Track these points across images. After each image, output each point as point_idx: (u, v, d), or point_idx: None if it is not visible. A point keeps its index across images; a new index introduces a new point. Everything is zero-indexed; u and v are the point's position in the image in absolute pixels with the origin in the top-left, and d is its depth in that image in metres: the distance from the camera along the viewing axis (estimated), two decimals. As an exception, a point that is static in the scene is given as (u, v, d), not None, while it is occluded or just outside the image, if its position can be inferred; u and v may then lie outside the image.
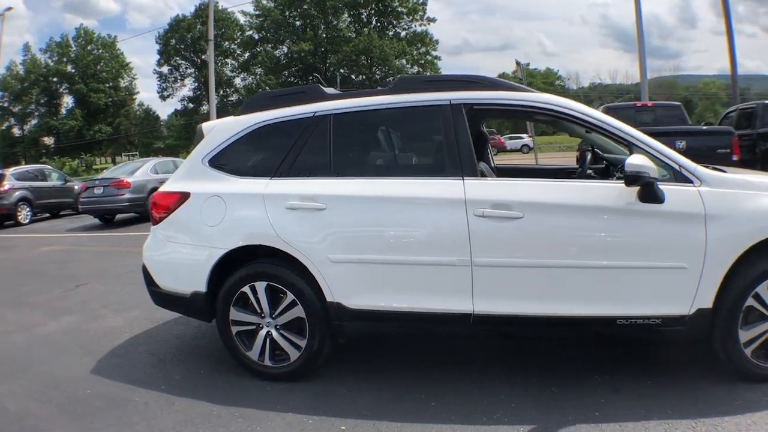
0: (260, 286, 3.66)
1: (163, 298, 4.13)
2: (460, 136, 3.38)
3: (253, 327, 3.79)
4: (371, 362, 4.04)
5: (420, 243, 3.41)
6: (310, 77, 58.68)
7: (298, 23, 61.53)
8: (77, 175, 42.16)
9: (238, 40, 63.30)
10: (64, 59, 61.67)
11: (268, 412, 3.37)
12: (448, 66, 65.11)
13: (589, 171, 3.99)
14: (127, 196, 12.96)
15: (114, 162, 65.15)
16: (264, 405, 3.47)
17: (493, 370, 3.73)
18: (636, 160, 3.00)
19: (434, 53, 63.53)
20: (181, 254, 3.96)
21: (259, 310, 3.71)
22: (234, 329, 3.82)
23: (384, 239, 3.45)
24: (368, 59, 60.07)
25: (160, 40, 63.21)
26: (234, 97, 62.93)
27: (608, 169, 4.16)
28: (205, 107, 64.08)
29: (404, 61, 60.98)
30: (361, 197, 3.47)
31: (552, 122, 4.52)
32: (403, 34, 63.02)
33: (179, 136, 62.10)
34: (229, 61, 64.40)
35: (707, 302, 3.10)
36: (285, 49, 62.14)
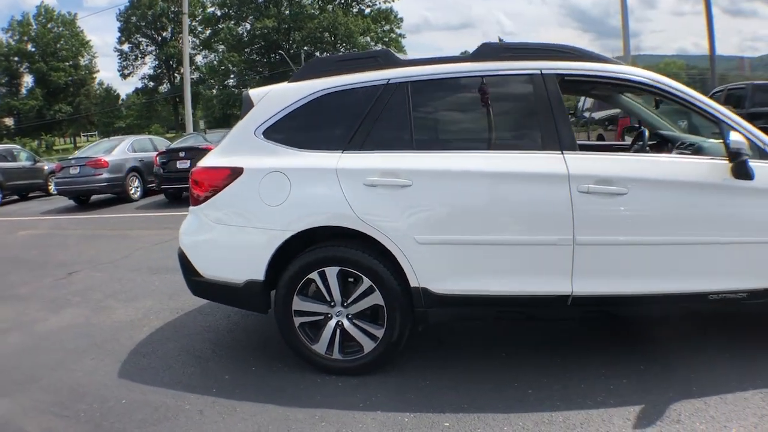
0: (331, 271, 3.11)
1: (206, 288, 3.43)
2: (556, 108, 3.06)
3: (321, 317, 3.22)
4: (436, 351, 3.53)
5: (518, 221, 3.03)
6: (273, 54, 56.75)
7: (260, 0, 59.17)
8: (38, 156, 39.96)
9: (200, 17, 60.54)
10: (25, 38, 58.41)
11: (352, 412, 2.85)
12: (408, 45, 63.61)
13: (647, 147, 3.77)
14: (105, 175, 11.88)
15: (74, 143, 62.00)
16: (344, 404, 2.93)
17: (566, 351, 3.39)
18: (738, 137, 2.86)
19: (398, 31, 62.15)
20: (232, 238, 3.28)
21: (328, 299, 3.18)
22: (297, 321, 3.23)
23: (478, 218, 3.03)
24: (333, 36, 58.45)
25: (121, 17, 60.17)
26: (195, 75, 60.44)
27: (663, 145, 3.92)
28: (165, 86, 61.53)
29: (369, 39, 59.51)
30: (452, 172, 3.04)
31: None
32: (367, 11, 61.40)
33: (140, 115, 59.38)
34: (190, 38, 61.64)
35: None
36: (248, 26, 59.83)
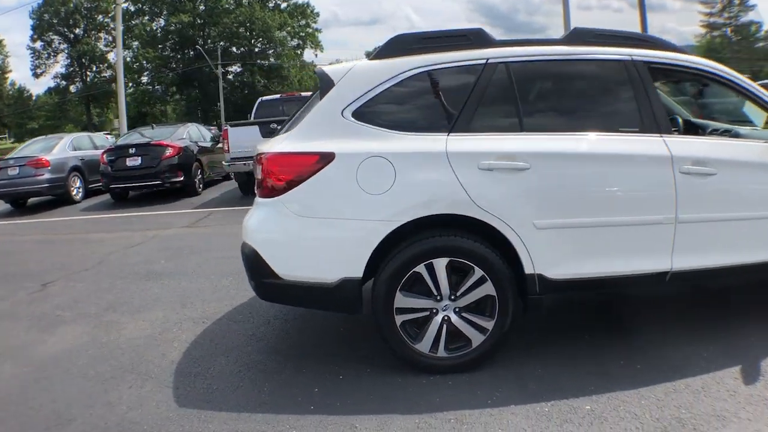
0: (440, 263, 2.70)
1: (284, 291, 2.81)
2: (652, 94, 2.99)
3: (426, 313, 2.74)
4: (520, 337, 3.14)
5: (629, 202, 2.90)
6: (187, 50, 53.59)
7: (175, -7, 55.49)
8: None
9: (112, 13, 55.82)
10: (-68, 38, 50.79)
11: (487, 410, 2.50)
12: (322, 40, 62.18)
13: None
14: (47, 176, 10.35)
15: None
16: (471, 404, 2.55)
17: (641, 330, 3.25)
18: None
19: (315, 26, 60.60)
20: (323, 233, 2.72)
21: (435, 293, 2.72)
22: (399, 319, 2.72)
23: (592, 200, 2.86)
24: (249, 31, 55.97)
25: (35, 14, 53.90)
26: (108, 73, 55.91)
27: (693, 131, 3.83)
28: (75, 86, 56.41)
29: (285, 33, 57.59)
30: (569, 155, 2.85)
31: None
32: (284, 5, 59.31)
33: (53, 116, 54.21)
34: (103, 35, 56.86)
35: None
36: (162, 21, 55.93)
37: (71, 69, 55.88)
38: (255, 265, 2.77)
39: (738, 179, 3.00)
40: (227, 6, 55.55)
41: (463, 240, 2.70)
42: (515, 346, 2.97)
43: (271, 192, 2.75)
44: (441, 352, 2.77)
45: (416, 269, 2.68)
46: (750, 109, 3.66)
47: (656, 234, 2.87)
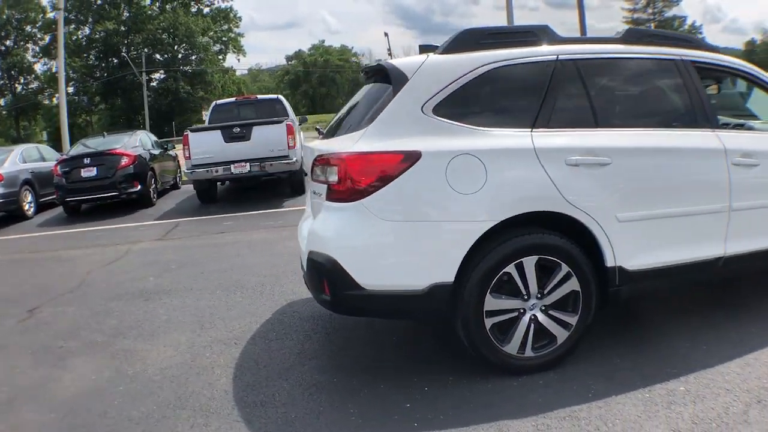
0: (529, 262, 2.55)
1: (366, 302, 2.50)
2: (701, 90, 3.05)
3: (514, 314, 2.56)
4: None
5: (695, 193, 2.92)
6: (111, 58, 50.53)
7: (99, 2, 51.84)
8: None
9: (40, 23, 51.48)
10: None
11: (596, 403, 2.39)
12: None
13: None
14: (1, 191, 9.21)
15: None
16: (573, 400, 2.42)
17: (669, 319, 3.25)
18: None
19: (237, 30, 58.71)
20: (412, 236, 2.46)
21: (524, 292, 2.54)
22: (489, 322, 2.51)
23: (665, 192, 2.85)
24: (172, 37, 53.44)
25: None
26: (35, 85, 51.75)
27: None
28: (5, 98, 51.68)
29: (208, 38, 55.54)
30: (643, 149, 2.82)
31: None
32: (206, 10, 57.05)
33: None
34: (30, 45, 52.36)
35: None
36: (87, 30, 52.19)
37: (1, 82, 51.35)
38: (334, 277, 2.45)
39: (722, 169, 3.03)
40: (151, 12, 52.81)
41: (551, 237, 2.55)
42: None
43: (351, 195, 2.44)
44: (528, 352, 2.60)
45: (507, 269, 2.48)
46: (754, 104, 3.74)
47: (715, 222, 2.90)
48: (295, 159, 9.00)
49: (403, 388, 2.59)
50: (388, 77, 2.66)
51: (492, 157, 2.50)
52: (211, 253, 5.97)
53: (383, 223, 2.42)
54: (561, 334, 2.62)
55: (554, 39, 2.84)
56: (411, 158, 2.42)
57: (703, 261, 2.87)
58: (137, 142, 10.62)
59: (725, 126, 3.61)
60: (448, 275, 2.42)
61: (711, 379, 2.49)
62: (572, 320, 2.61)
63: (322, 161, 2.62)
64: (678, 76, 2.98)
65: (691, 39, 3.25)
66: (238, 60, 58.16)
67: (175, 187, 12.49)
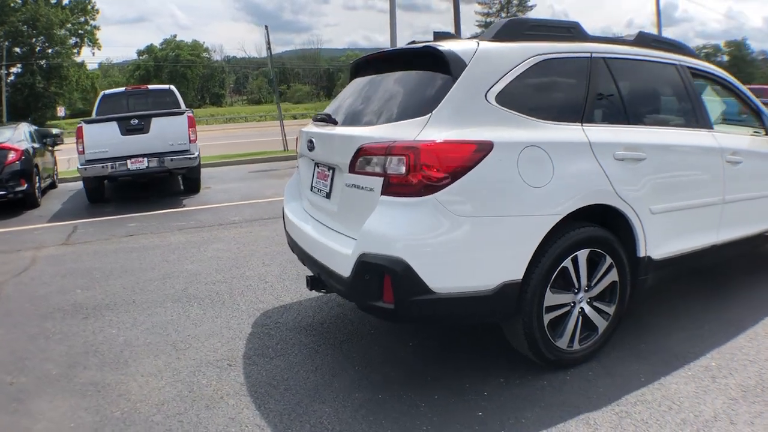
0: (582, 255, 2.49)
1: (437, 307, 2.20)
2: (697, 94, 3.21)
3: (567, 308, 2.49)
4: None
5: (707, 186, 3.07)
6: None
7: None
8: None
9: None
10: None
11: (654, 385, 2.42)
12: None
13: None
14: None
15: None
16: (633, 386, 2.43)
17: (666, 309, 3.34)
18: None
19: (93, 23, 52.75)
20: (485, 232, 2.22)
21: (576, 285, 2.48)
22: (546, 318, 2.41)
23: (685, 186, 2.97)
24: (32, 29, 46.56)
25: None
26: None
27: None
28: None
29: (65, 31, 49.36)
30: (671, 146, 2.89)
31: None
32: (66, 1, 50.42)
33: None
34: None
35: None
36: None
37: None
38: (403, 282, 2.12)
39: (754, 166, 3.33)
40: (14, 4, 45.94)
41: (599, 230, 2.50)
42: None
43: (423, 189, 2.13)
44: (575, 345, 2.55)
45: (564, 264, 2.39)
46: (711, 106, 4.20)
47: (714, 213, 3.08)
48: (196, 154, 8.19)
49: (461, 396, 2.37)
50: (440, 62, 2.37)
51: (557, 150, 2.37)
52: (135, 259, 5.10)
53: (458, 219, 2.14)
54: (601, 325, 2.60)
55: (584, 37, 2.78)
56: (484, 149, 2.19)
57: (703, 249, 3.04)
58: (23, 136, 8.84)
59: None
60: (518, 272, 2.24)
61: (732, 354, 2.65)
62: (611, 310, 2.61)
63: (376, 150, 2.25)
64: (680, 80, 3.11)
65: (684, 46, 3.38)
66: (93, 53, 52.06)
67: (53, 185, 10.71)
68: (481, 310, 2.26)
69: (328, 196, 2.71)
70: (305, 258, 2.82)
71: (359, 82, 3.01)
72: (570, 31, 2.72)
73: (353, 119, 2.74)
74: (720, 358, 2.61)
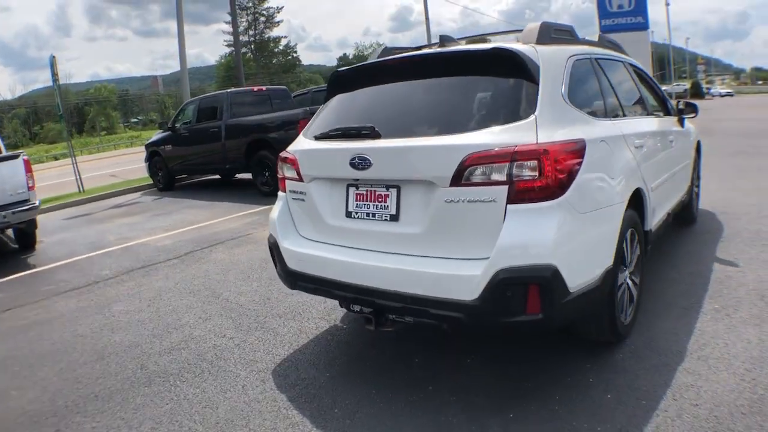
0: (629, 234, 2.76)
1: (569, 308, 2.19)
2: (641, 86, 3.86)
3: (620, 284, 2.73)
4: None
5: (666, 163, 3.60)
6: None
7: None
8: None
9: None
10: None
11: (711, 341, 2.68)
12: None
13: None
14: None
15: None
16: (698, 350, 2.67)
17: None
18: (683, 105, 4.32)
19: None
20: (595, 226, 2.36)
21: (627, 262, 2.79)
22: (618, 296, 2.66)
23: (661, 164, 3.46)
24: None
25: None
26: None
27: None
28: None
29: None
30: (651, 132, 3.40)
31: None
32: None
33: None
34: None
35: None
36: None
37: None
38: (553, 287, 2.07)
39: (677, 142, 3.93)
40: None
41: (632, 211, 2.78)
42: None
43: (554, 192, 2.11)
44: (627, 318, 2.79)
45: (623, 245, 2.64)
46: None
47: (669, 185, 3.61)
48: (37, 203, 6.46)
49: (542, 404, 2.36)
50: (516, 63, 2.34)
51: (613, 143, 2.63)
52: (40, 340, 3.80)
53: (581, 216, 2.19)
54: (635, 295, 2.90)
55: (577, 40, 3.04)
56: (584, 147, 2.29)
57: (664, 218, 3.51)
58: None
59: None
60: (611, 258, 2.40)
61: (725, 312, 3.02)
62: (638, 280, 2.93)
63: (495, 158, 2.11)
64: (634, 75, 3.68)
65: (620, 46, 3.88)
66: None
67: None
68: (593, 299, 2.32)
69: (394, 218, 2.42)
70: (362, 294, 2.46)
71: (383, 89, 2.76)
72: (571, 34, 2.96)
73: (413, 130, 2.49)
74: (715, 321, 2.94)
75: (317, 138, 2.82)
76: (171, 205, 9.46)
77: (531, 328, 2.16)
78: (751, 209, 5.15)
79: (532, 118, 2.22)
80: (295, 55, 72.41)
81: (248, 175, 9.52)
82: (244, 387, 2.78)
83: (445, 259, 2.26)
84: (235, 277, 4.71)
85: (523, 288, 2.07)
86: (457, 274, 2.16)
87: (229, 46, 65.63)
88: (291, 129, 8.19)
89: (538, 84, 2.32)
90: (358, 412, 2.43)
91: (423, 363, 2.81)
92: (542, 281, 2.06)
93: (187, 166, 10.74)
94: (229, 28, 64.93)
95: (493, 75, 2.43)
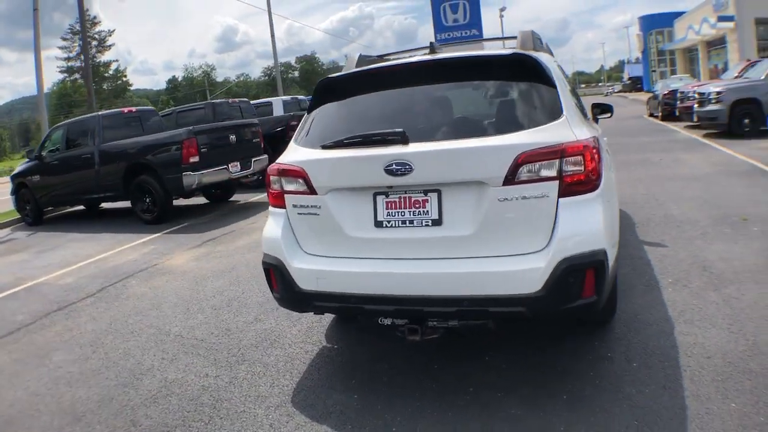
0: None
1: (610, 287, 2.49)
2: None
3: None
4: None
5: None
6: None
7: None
8: None
9: None
10: None
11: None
12: None
13: None
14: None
15: None
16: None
17: None
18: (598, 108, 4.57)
19: None
20: (613, 210, 2.76)
21: None
22: None
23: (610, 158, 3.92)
24: None
25: None
26: None
27: None
28: None
29: None
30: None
31: None
32: None
33: None
34: None
35: None
36: None
37: None
38: (605, 270, 2.26)
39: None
40: None
41: None
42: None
43: (596, 184, 2.30)
44: None
45: None
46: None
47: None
48: None
49: (585, 382, 2.56)
50: (533, 67, 2.49)
51: (602, 140, 2.90)
52: None
53: (608, 203, 2.41)
54: None
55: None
56: (599, 142, 2.54)
57: None
58: None
59: None
60: (618, 238, 2.64)
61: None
62: None
63: (545, 155, 2.22)
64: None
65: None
66: None
67: None
68: (614, 277, 2.56)
69: (436, 222, 2.38)
70: (406, 305, 2.39)
71: (394, 94, 2.72)
72: (541, 42, 3.24)
73: (443, 132, 2.49)
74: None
75: (326, 147, 2.65)
76: (51, 239, 8.32)
77: (585, 310, 2.30)
78: (648, 198, 6.07)
79: (563, 118, 2.40)
80: (125, 79, 70.15)
81: (116, 204, 8.85)
82: (273, 426, 2.51)
83: (498, 257, 2.31)
84: (172, 311, 4.21)
85: (582, 273, 2.22)
86: (520, 269, 2.23)
87: (62, 72, 60.35)
88: (174, 150, 7.90)
89: (555, 87, 2.50)
90: (417, 427, 2.34)
91: (443, 367, 2.82)
92: (598, 265, 2.23)
93: (59, 197, 9.61)
94: (62, 53, 60.67)
95: (515, 79, 2.55)
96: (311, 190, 2.61)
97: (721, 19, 24.64)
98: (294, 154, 2.78)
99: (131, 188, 8.31)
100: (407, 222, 2.44)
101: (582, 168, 2.25)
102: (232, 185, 9.52)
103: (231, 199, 9.78)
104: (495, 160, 2.27)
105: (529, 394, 2.47)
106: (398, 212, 2.46)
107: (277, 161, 2.81)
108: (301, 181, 2.63)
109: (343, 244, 2.57)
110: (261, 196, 9.62)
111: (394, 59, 3.21)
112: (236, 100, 12.21)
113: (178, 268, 5.47)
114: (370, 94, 2.78)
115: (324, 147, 2.66)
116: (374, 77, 2.81)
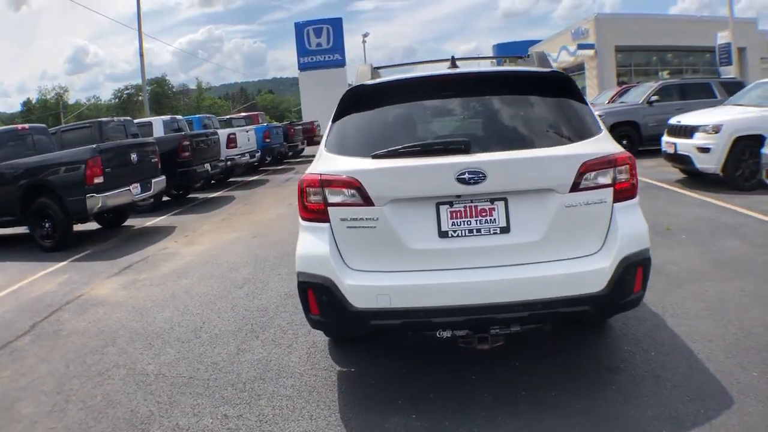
0: None
1: None
2: None
3: None
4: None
5: None
6: None
7: None
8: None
9: None
10: None
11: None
12: None
13: None
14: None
15: None
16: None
17: None
18: None
19: None
20: None
21: None
22: None
23: None
24: None
25: None
26: None
27: None
28: None
29: None
30: None
31: None
32: None
33: None
34: None
35: None
36: None
37: None
38: (649, 267, 2.54)
39: None
40: None
41: None
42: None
43: (635, 190, 2.58)
44: None
45: None
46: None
47: None
48: None
49: (624, 383, 2.81)
50: (567, 84, 2.72)
51: None
52: None
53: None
54: None
55: None
56: None
57: None
58: None
59: None
60: None
61: None
62: None
63: (603, 165, 2.43)
64: None
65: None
66: None
67: None
68: None
69: (504, 230, 2.46)
70: (478, 314, 2.42)
71: (441, 104, 2.82)
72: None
73: (497, 143, 2.59)
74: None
75: (378, 156, 2.55)
76: (-60, 272, 6.81)
77: (633, 305, 2.58)
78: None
79: (603, 132, 2.67)
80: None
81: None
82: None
83: (562, 261, 2.47)
84: (133, 347, 3.75)
85: (635, 270, 2.47)
86: (588, 270, 2.42)
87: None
88: (77, 170, 7.12)
89: (587, 104, 2.78)
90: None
91: (480, 372, 2.91)
92: (647, 262, 2.52)
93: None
94: None
95: (553, 95, 2.75)
96: (367, 202, 2.50)
97: (581, 47, 25.84)
98: (335, 164, 2.64)
99: (30, 212, 7.26)
100: (474, 231, 2.48)
101: (628, 176, 2.53)
102: (127, 209, 8.67)
103: (124, 224, 8.81)
104: (563, 168, 2.44)
105: (583, 389, 2.66)
106: (464, 221, 2.48)
107: (314, 171, 2.64)
108: (353, 191, 2.51)
109: (402, 257, 2.51)
110: (157, 220, 9.01)
111: (408, 68, 3.29)
112: (120, 119, 11.25)
113: (108, 299, 4.89)
114: (408, 103, 2.81)
115: (376, 156, 2.56)
116: (411, 87, 2.83)
